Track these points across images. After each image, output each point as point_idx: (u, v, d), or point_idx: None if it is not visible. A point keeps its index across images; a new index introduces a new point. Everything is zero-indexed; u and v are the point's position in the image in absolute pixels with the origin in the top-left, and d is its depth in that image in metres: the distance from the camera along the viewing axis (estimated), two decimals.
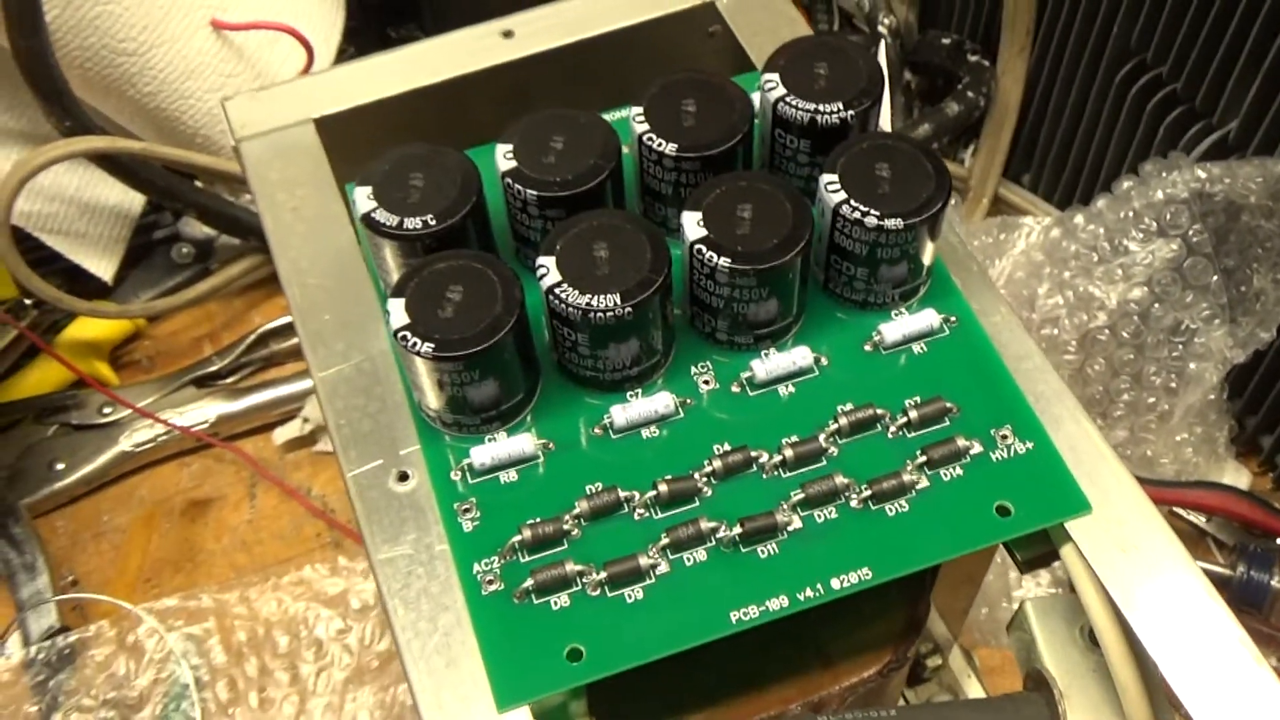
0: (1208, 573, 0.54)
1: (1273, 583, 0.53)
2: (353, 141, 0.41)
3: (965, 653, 0.48)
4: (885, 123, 0.62)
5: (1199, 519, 0.57)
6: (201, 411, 0.59)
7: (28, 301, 0.59)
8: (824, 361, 0.34)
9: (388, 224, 0.33)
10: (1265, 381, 0.56)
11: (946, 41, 0.67)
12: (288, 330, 0.63)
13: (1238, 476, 0.57)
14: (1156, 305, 0.53)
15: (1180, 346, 0.54)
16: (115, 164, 0.56)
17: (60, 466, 0.58)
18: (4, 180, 0.53)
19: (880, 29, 0.67)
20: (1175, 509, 0.57)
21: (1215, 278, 0.53)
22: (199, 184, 0.61)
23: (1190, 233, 0.53)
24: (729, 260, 0.32)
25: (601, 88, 0.41)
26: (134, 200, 0.63)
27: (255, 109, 0.41)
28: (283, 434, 0.59)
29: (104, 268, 0.62)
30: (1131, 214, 0.53)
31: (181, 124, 0.58)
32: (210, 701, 0.48)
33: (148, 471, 0.59)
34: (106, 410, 0.59)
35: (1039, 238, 0.57)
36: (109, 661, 0.49)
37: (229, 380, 0.61)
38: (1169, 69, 0.55)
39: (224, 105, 0.41)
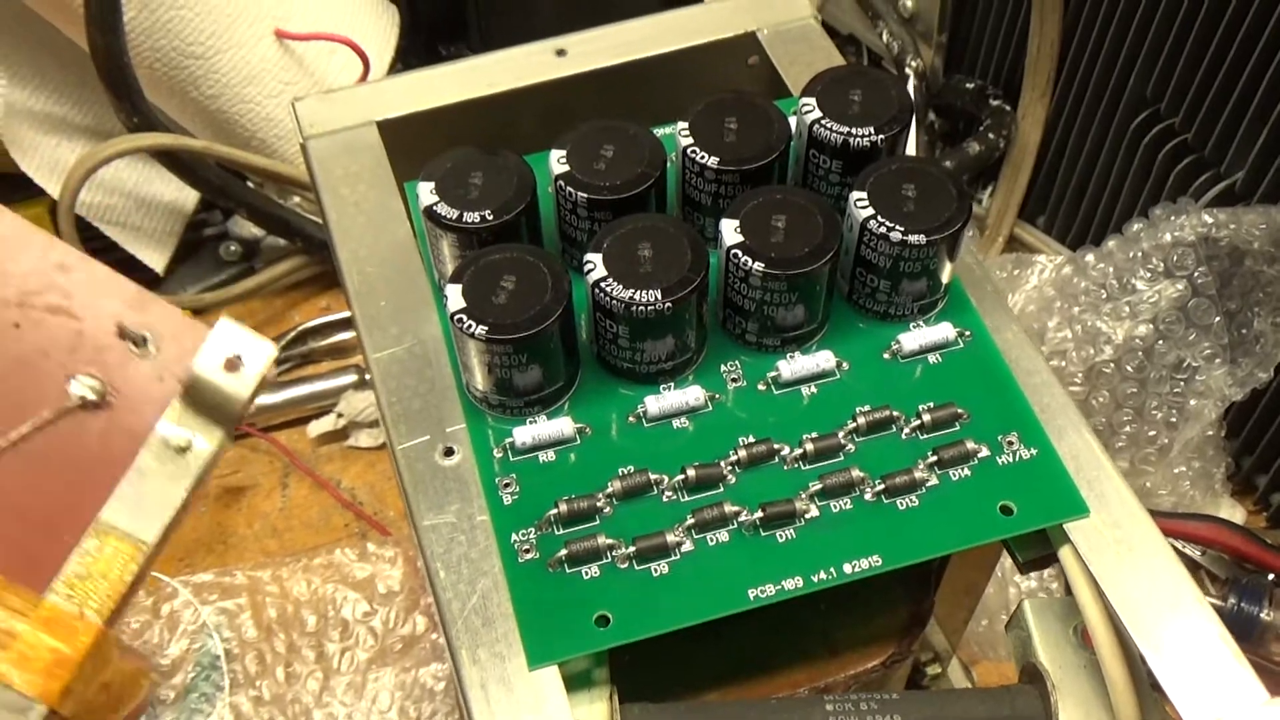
0: None
1: (1262, 615, 0.55)
2: (411, 144, 0.44)
3: (964, 665, 0.50)
4: (911, 153, 0.65)
5: (1194, 551, 0.59)
6: None
7: None
8: (845, 366, 0.37)
9: (448, 217, 0.36)
10: (1261, 423, 0.58)
11: (970, 86, 0.70)
12: (326, 329, 0.66)
13: (1233, 514, 0.60)
14: (1160, 342, 0.56)
15: (1182, 383, 0.56)
16: (175, 161, 0.59)
17: None
18: (71, 170, 0.55)
19: (907, 71, 0.70)
20: (1171, 540, 0.59)
21: (1218, 319, 0.55)
22: (251, 184, 0.64)
23: (1196, 275, 0.55)
24: (763, 265, 0.34)
25: (643, 108, 0.44)
26: (188, 197, 0.66)
27: (323, 110, 0.44)
28: (317, 427, 0.61)
29: (156, 260, 0.64)
30: (1140, 255, 0.56)
31: (240, 126, 0.61)
32: (239, 674, 0.50)
33: None
34: None
35: (1051, 274, 0.60)
36: (144, 630, 0.51)
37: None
38: (1181, 119, 0.57)
39: (294, 105, 0.44)
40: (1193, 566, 0.60)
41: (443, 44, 0.70)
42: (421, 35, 0.69)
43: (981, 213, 0.70)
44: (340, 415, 0.62)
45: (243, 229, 0.68)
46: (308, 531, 0.59)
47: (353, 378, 0.62)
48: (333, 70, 0.63)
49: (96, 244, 0.62)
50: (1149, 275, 0.56)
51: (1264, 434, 0.58)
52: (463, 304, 0.34)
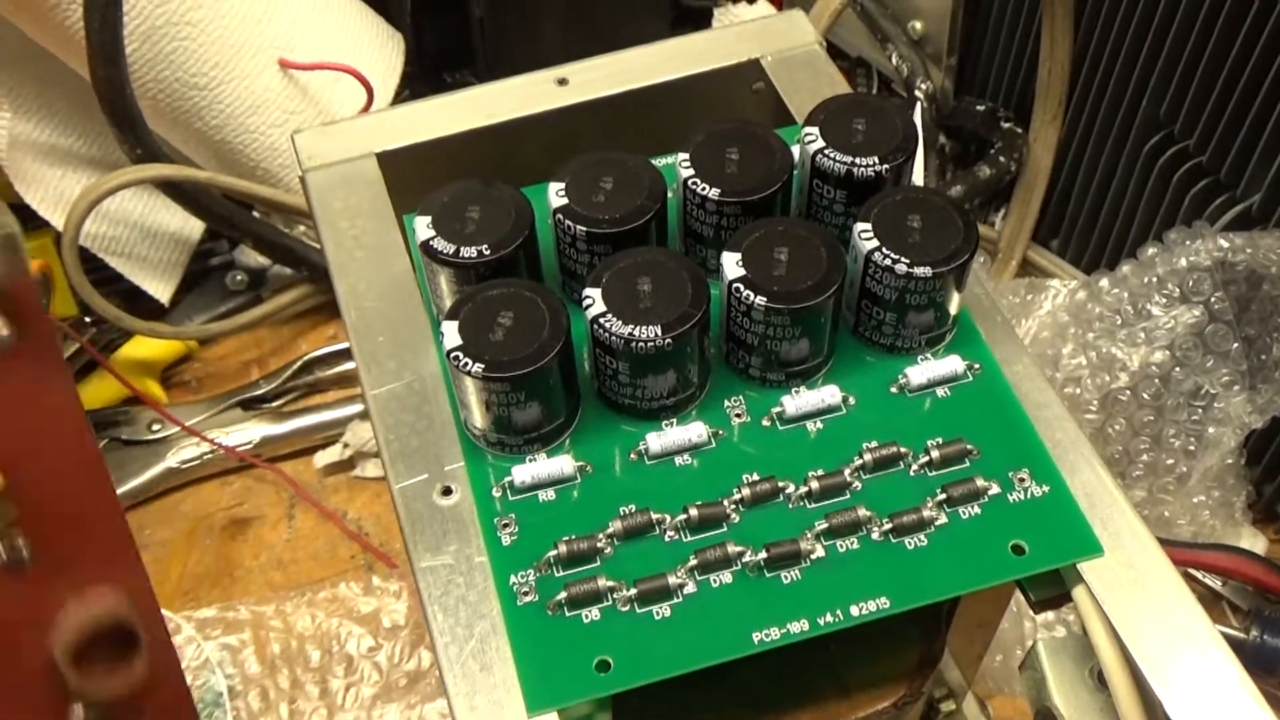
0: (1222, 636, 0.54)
1: None
2: (411, 176, 0.43)
3: (979, 701, 0.49)
4: (918, 180, 0.64)
5: (1214, 581, 0.58)
6: (246, 433, 0.61)
7: (87, 319, 0.62)
8: (851, 401, 0.36)
9: (445, 252, 0.35)
10: None
11: (981, 108, 0.69)
12: (332, 358, 0.65)
13: (1254, 542, 0.58)
14: (1177, 369, 0.55)
15: (1200, 410, 0.55)
16: (179, 192, 0.59)
17: None
18: (75, 203, 0.55)
19: (917, 93, 0.69)
20: (1190, 570, 0.58)
21: (1236, 345, 0.54)
22: (256, 214, 0.64)
23: (1212, 300, 0.54)
24: (765, 299, 0.34)
25: (647, 136, 0.43)
26: (193, 227, 0.66)
27: (322, 142, 0.43)
28: (323, 458, 0.61)
29: (162, 290, 0.64)
30: (1155, 279, 0.55)
31: (244, 156, 0.61)
32: (243, 710, 0.49)
33: (191, 488, 0.61)
34: (155, 427, 0.61)
35: (1065, 299, 0.59)
36: None
37: (274, 404, 0.63)
38: (1196, 141, 0.57)
39: (293, 138, 0.43)
40: (1214, 597, 0.59)
41: (448, 71, 0.70)
42: (427, 62, 0.69)
43: (994, 236, 0.69)
44: (346, 445, 0.62)
45: (249, 258, 0.68)
46: (314, 563, 0.58)
47: (359, 407, 0.61)
48: (337, 99, 0.62)
49: (101, 274, 0.62)
50: (1165, 300, 0.55)
51: None
52: (459, 341, 0.33)
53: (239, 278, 0.67)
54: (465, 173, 0.39)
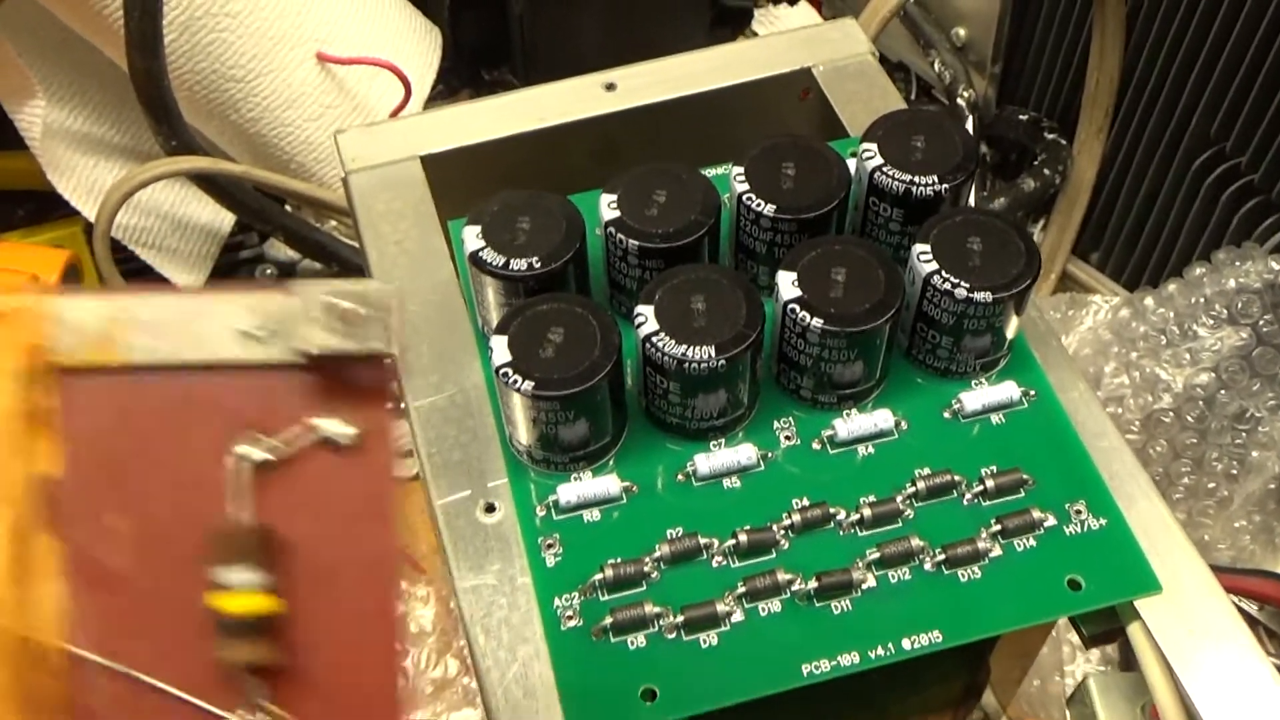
0: None
1: None
2: (456, 179, 0.42)
3: None
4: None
5: (1251, 607, 0.57)
6: None
7: None
8: (904, 425, 0.35)
9: (494, 263, 0.35)
10: None
11: (1024, 118, 0.68)
12: None
13: None
14: (1222, 392, 0.54)
15: (1244, 434, 0.54)
16: (212, 184, 0.58)
17: None
18: (108, 194, 0.55)
19: (959, 101, 0.68)
20: (1229, 595, 0.57)
21: None
22: (288, 208, 0.63)
23: (1261, 323, 0.53)
24: (821, 321, 0.33)
25: (693, 143, 0.43)
26: (224, 220, 0.65)
27: (366, 143, 0.43)
28: None
29: (191, 282, 0.64)
30: (1203, 300, 0.54)
31: (279, 150, 0.60)
32: None
33: None
34: None
35: (1107, 316, 0.58)
36: None
37: None
38: (1248, 160, 0.55)
39: (336, 138, 0.42)
40: (1251, 623, 0.58)
41: (485, 68, 0.69)
42: (464, 58, 0.68)
43: None
44: None
45: (278, 252, 0.67)
46: None
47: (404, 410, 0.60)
48: (374, 94, 0.61)
49: (130, 265, 0.61)
50: (1211, 322, 0.54)
51: None
52: (508, 357, 0.32)
53: (268, 271, 0.67)
54: (510, 177, 0.38)
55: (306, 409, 0.22)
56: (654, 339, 0.32)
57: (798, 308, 0.33)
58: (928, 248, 0.34)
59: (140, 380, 0.21)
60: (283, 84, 0.58)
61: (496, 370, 0.32)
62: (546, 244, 0.35)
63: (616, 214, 0.35)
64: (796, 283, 0.33)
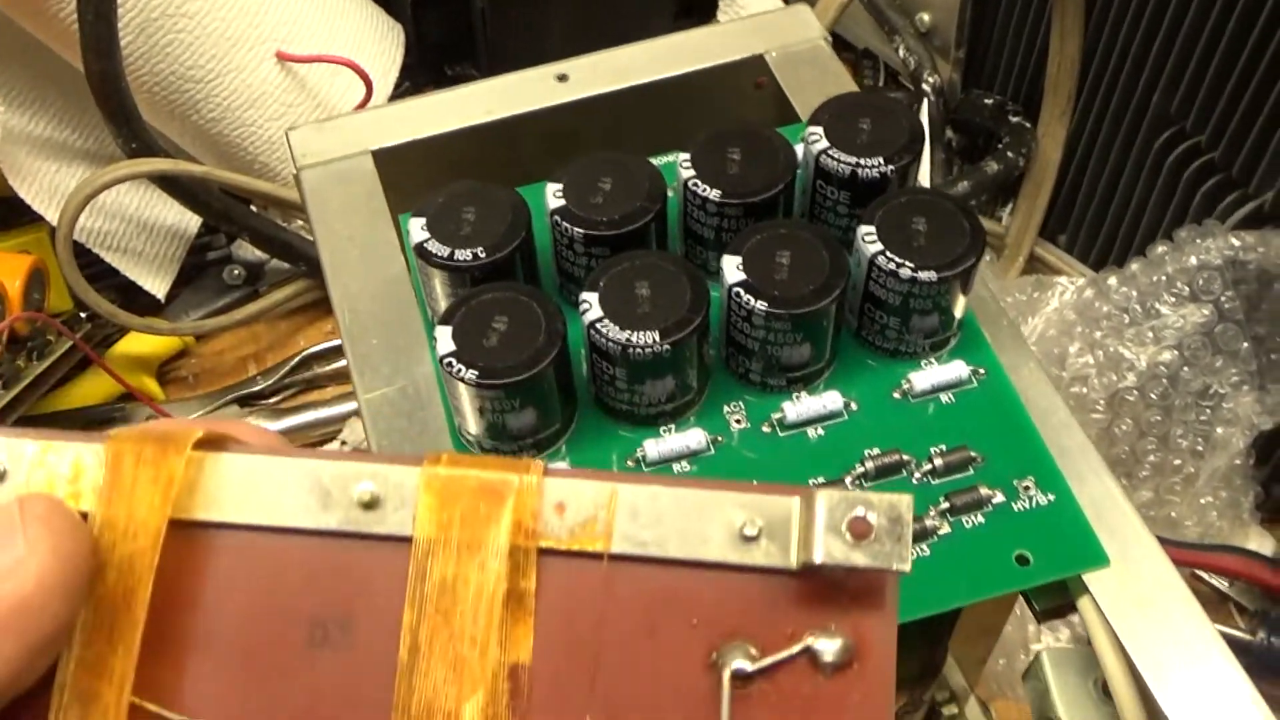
0: (1228, 638, 0.54)
1: None
2: (408, 174, 0.42)
3: (982, 704, 0.48)
4: (924, 179, 0.63)
5: (1221, 583, 0.58)
6: None
7: (83, 315, 0.61)
8: (853, 406, 0.35)
9: (439, 254, 0.35)
10: None
11: (989, 102, 0.68)
12: (330, 354, 0.65)
13: (1262, 543, 0.58)
14: (1186, 369, 0.54)
15: (1208, 411, 0.54)
16: (175, 186, 0.58)
17: None
18: (69, 197, 0.55)
19: (924, 87, 0.68)
20: (1198, 572, 0.57)
21: (1245, 344, 0.53)
22: (254, 209, 0.63)
23: (1222, 299, 0.53)
24: (766, 304, 0.33)
25: (650, 133, 0.43)
26: (190, 221, 0.65)
27: (317, 139, 0.43)
28: None
29: (158, 285, 0.64)
30: (1164, 278, 0.54)
31: (242, 150, 0.60)
32: None
33: None
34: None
35: (1072, 297, 0.58)
36: None
37: (271, 400, 0.63)
38: (1207, 138, 0.56)
39: (288, 135, 0.43)
40: (1220, 599, 0.58)
41: (449, 64, 0.69)
42: (427, 54, 0.68)
43: (1000, 231, 0.68)
44: (344, 443, 0.61)
45: (246, 252, 0.67)
46: None
47: (357, 404, 0.61)
48: (336, 91, 0.61)
49: (96, 269, 0.61)
50: (1173, 299, 0.54)
51: None
52: (452, 347, 0.32)
53: (236, 273, 0.67)
54: (464, 170, 0.38)
55: (797, 619, 0.20)
56: (598, 325, 0.32)
57: (742, 291, 0.33)
58: (872, 229, 0.34)
59: (623, 571, 0.20)
60: (243, 84, 0.58)
61: (441, 360, 0.32)
62: (491, 234, 0.35)
63: (561, 202, 0.36)
64: (741, 266, 0.34)
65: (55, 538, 0.18)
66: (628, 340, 0.32)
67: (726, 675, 0.19)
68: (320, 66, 0.60)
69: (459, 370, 0.32)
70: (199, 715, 0.19)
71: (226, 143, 0.60)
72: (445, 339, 0.32)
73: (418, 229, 0.35)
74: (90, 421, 0.61)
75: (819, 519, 0.20)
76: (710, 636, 0.20)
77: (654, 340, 0.32)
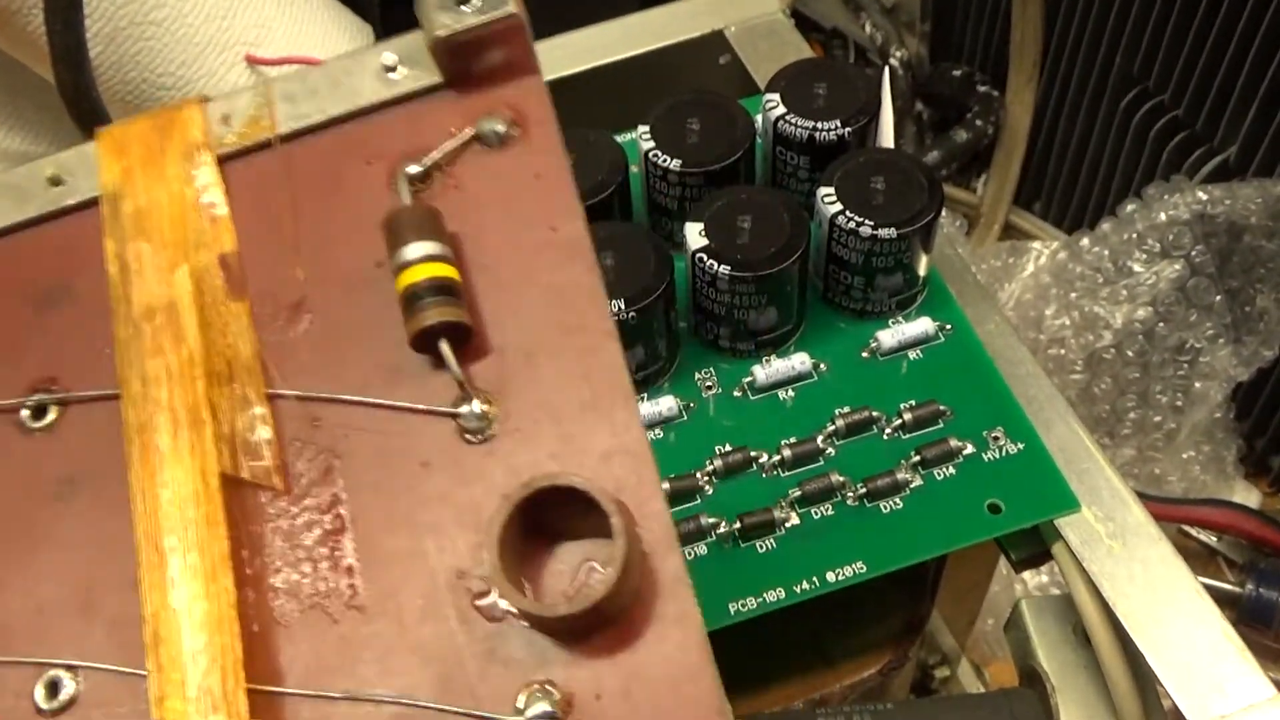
0: (1216, 590, 0.54)
1: None
2: None
3: (975, 666, 0.48)
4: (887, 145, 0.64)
5: (1210, 537, 0.58)
6: None
7: None
8: (823, 367, 0.35)
9: None
10: (1272, 402, 0.57)
11: (957, 73, 0.69)
12: None
13: (1248, 496, 0.58)
14: (1161, 325, 0.54)
15: (1185, 365, 0.54)
16: None
17: None
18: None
19: (892, 61, 0.68)
20: (1185, 527, 0.57)
21: (1219, 297, 0.54)
22: None
23: (1193, 253, 0.54)
24: (729, 268, 0.33)
25: (615, 112, 0.43)
26: None
27: None
28: None
29: None
30: (1135, 236, 0.54)
31: None
32: None
33: None
34: None
35: (1047, 261, 0.58)
36: None
37: None
38: (1170, 96, 0.56)
39: None
40: (1209, 553, 0.58)
41: None
42: None
43: (975, 201, 0.69)
44: None
45: None
46: None
47: None
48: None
49: None
50: (1145, 257, 0.54)
51: (1275, 413, 0.57)
52: None
53: None
54: None
55: (458, 122, 0.22)
56: None
57: (705, 256, 0.34)
58: (831, 190, 0.35)
59: (297, 147, 0.22)
60: (213, 89, 0.58)
61: None
62: None
63: None
64: (703, 232, 0.34)
65: None
66: None
67: (402, 180, 0.21)
68: (290, 69, 0.61)
69: None
70: None
71: None
72: None
73: None
74: None
75: (427, 6, 0.22)
76: (388, 166, 0.22)
77: (620, 308, 0.33)
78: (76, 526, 0.20)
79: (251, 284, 0.21)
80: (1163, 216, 0.53)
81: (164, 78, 0.57)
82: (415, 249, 0.20)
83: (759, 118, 0.38)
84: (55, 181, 0.23)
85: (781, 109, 0.37)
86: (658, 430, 0.34)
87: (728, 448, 0.34)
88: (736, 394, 0.35)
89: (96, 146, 0.23)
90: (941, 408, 0.34)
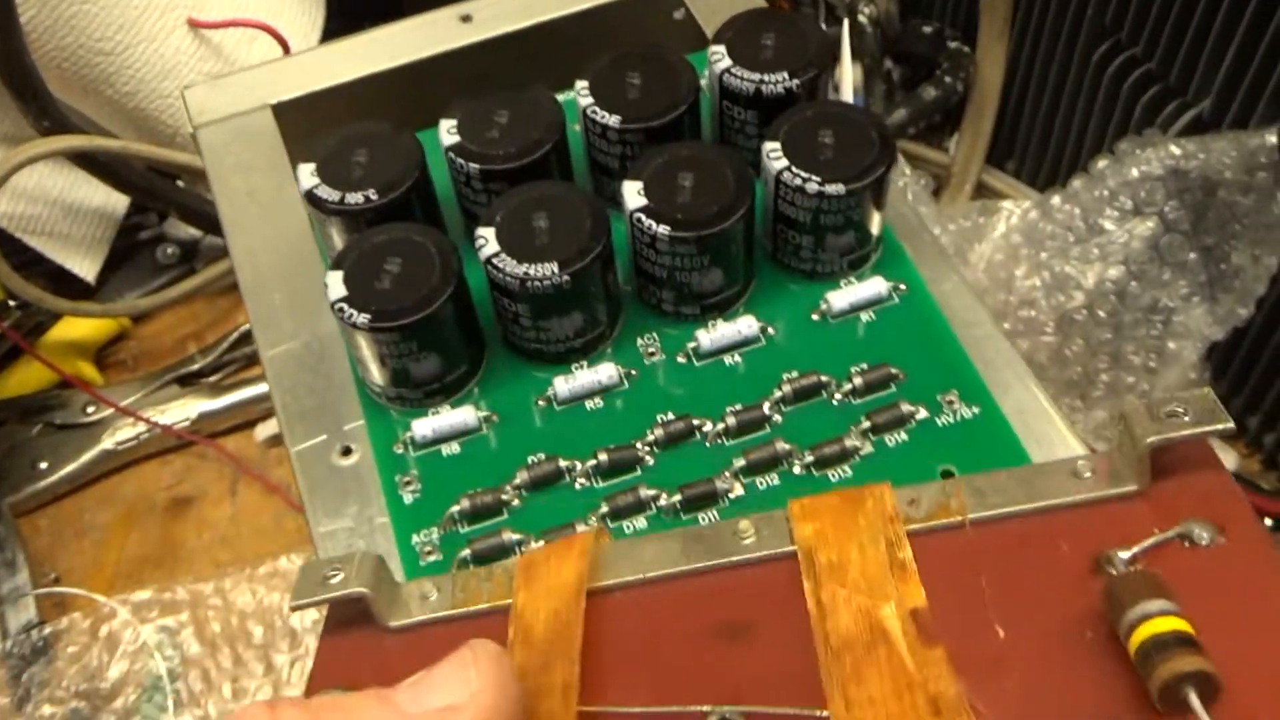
0: None
1: None
2: (312, 127, 0.41)
3: None
4: (846, 99, 0.62)
5: None
6: (184, 410, 0.59)
7: (12, 303, 0.60)
8: (771, 331, 0.34)
9: (330, 200, 0.33)
10: (1247, 362, 0.55)
11: (928, 30, 0.67)
12: None
13: (1224, 457, 0.56)
14: (1134, 284, 0.53)
15: (1159, 325, 0.53)
16: (95, 164, 0.57)
17: (43, 465, 0.58)
18: None
19: (861, 18, 0.66)
20: None
21: (1193, 255, 0.52)
22: (181, 183, 0.61)
23: (1166, 210, 0.52)
24: (669, 228, 0.32)
25: (561, 71, 0.41)
26: (118, 201, 0.63)
27: (214, 96, 0.41)
28: (264, 430, 0.59)
29: (87, 268, 0.62)
30: (1107, 193, 0.53)
31: (160, 123, 0.59)
32: (183, 693, 0.48)
33: (130, 470, 0.60)
34: (90, 410, 0.59)
35: (1018, 220, 0.57)
36: (82, 653, 0.49)
37: (212, 378, 0.61)
38: (1143, 48, 0.54)
39: (183, 94, 0.41)
40: None
41: (372, 26, 0.67)
42: (350, 16, 0.66)
43: (947, 160, 0.67)
44: None
45: (180, 230, 0.65)
46: (260, 538, 0.57)
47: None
48: (254, 58, 0.60)
49: (21, 258, 0.60)
50: (1117, 214, 0.53)
51: (1251, 373, 0.55)
52: (344, 291, 0.31)
53: (170, 251, 0.65)
54: (369, 119, 0.37)
55: (1151, 524, 0.23)
56: (495, 260, 0.31)
57: (644, 216, 0.32)
58: (778, 145, 0.33)
59: (985, 528, 0.24)
60: (155, 54, 0.56)
61: (333, 305, 0.31)
62: (384, 176, 0.34)
63: (456, 139, 0.34)
64: (642, 191, 0.32)
65: (500, 678, 0.21)
66: (525, 274, 0.31)
67: (1115, 557, 0.23)
68: (237, 33, 0.59)
69: (351, 315, 0.31)
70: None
71: (144, 116, 0.58)
72: (336, 283, 0.31)
73: (307, 175, 0.34)
74: (27, 410, 0.60)
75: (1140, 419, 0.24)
76: (1088, 552, 0.23)
77: (553, 272, 0.31)
78: None
79: (945, 639, 0.22)
80: (1135, 172, 0.52)
81: (101, 42, 0.55)
82: (1155, 604, 0.21)
83: (706, 72, 0.36)
84: (743, 536, 0.26)
85: (727, 61, 0.35)
86: (597, 399, 0.33)
87: (670, 416, 0.32)
88: (681, 360, 0.34)
89: (788, 510, 0.26)
90: (894, 371, 0.33)
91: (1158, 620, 0.21)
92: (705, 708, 0.22)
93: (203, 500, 0.58)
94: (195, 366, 0.61)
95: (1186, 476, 0.24)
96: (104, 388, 0.61)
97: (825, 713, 0.22)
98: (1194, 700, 0.20)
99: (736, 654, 0.23)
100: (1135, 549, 0.23)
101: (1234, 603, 0.22)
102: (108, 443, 0.59)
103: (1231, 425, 0.23)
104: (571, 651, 0.23)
